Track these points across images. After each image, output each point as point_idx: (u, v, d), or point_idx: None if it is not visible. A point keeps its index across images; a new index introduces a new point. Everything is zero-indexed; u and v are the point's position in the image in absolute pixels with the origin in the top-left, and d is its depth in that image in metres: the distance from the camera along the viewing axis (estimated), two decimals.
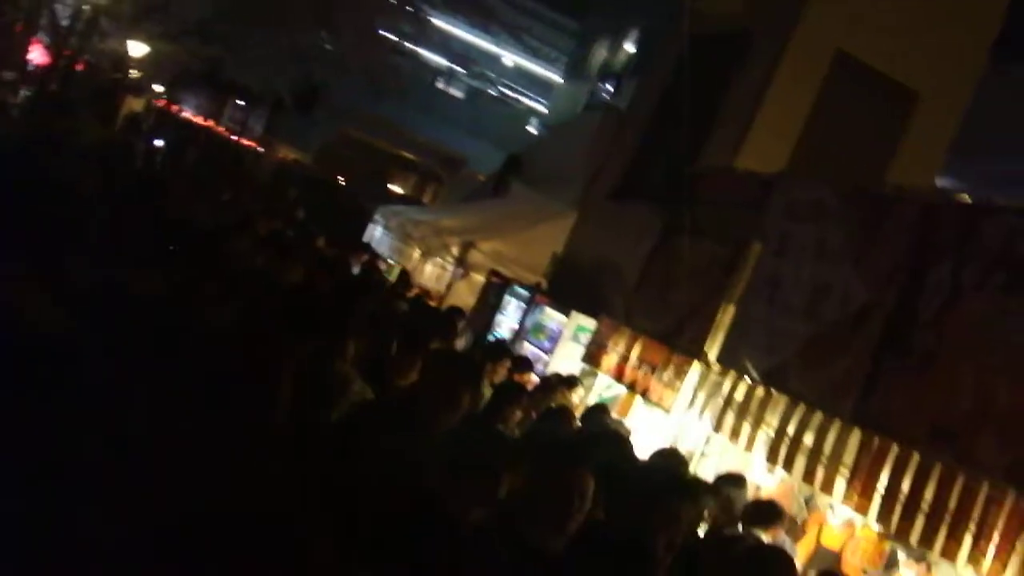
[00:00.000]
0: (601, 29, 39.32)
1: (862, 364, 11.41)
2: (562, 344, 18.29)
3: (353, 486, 6.08)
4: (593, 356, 16.28)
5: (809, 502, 12.99)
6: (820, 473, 11.26)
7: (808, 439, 11.53)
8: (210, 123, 60.93)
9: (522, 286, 20.58)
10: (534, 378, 16.08)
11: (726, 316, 13.78)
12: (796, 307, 12.74)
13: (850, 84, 17.72)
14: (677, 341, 14.39)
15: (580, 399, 14.73)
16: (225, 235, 13.15)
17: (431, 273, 26.29)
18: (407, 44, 47.10)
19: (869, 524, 11.06)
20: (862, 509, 10.63)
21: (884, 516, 10.37)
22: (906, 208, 12.00)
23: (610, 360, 15.68)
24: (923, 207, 11.85)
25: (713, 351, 13.66)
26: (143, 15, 38.21)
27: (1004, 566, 9.18)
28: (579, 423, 12.42)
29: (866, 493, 10.57)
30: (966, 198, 11.71)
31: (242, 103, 60.72)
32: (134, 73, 47.03)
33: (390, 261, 27.55)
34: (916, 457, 10.16)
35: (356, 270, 20.54)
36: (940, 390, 10.43)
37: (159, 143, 38.75)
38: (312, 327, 8.08)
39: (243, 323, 8.24)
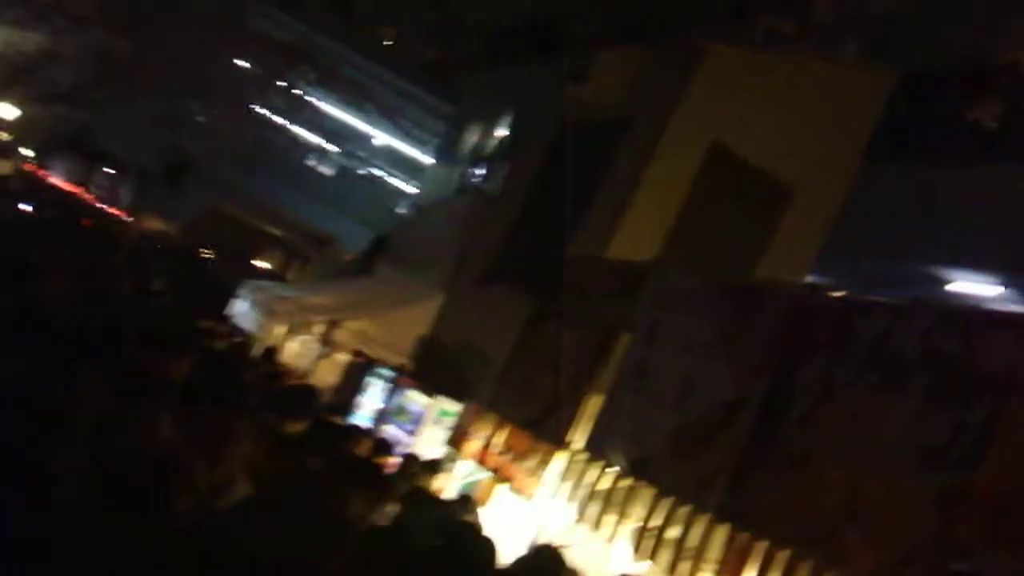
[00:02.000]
0: (474, 113, 39.18)
1: (729, 460, 11.21)
2: (425, 427, 18.04)
3: None
4: (456, 441, 16.02)
5: None
6: (685, 568, 11.05)
7: (673, 532, 11.33)
8: (78, 191, 60.18)
9: (386, 367, 20.32)
10: (394, 461, 15.82)
11: (593, 405, 13.57)
12: (664, 399, 12.54)
13: (724, 177, 17.73)
14: (542, 429, 14.14)
15: (442, 484, 14.48)
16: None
17: (295, 351, 25.91)
18: (279, 119, 46.79)
19: None
20: None
21: None
22: (778, 303, 11.89)
23: (473, 445, 15.42)
24: (796, 302, 11.75)
25: (579, 440, 13.43)
26: (14, 76, 37.59)
27: None
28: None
29: None
30: (839, 294, 11.62)
31: (111, 171, 60.02)
32: (2, 135, 46.26)
33: (253, 336, 27.17)
34: (783, 554, 9.98)
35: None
36: (810, 488, 10.25)
37: (26, 208, 37.94)
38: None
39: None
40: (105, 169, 60.98)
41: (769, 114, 17.79)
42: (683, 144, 17.67)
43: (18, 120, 40.42)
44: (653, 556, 11.48)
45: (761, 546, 10.25)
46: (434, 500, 12.79)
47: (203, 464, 7.47)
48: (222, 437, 8.09)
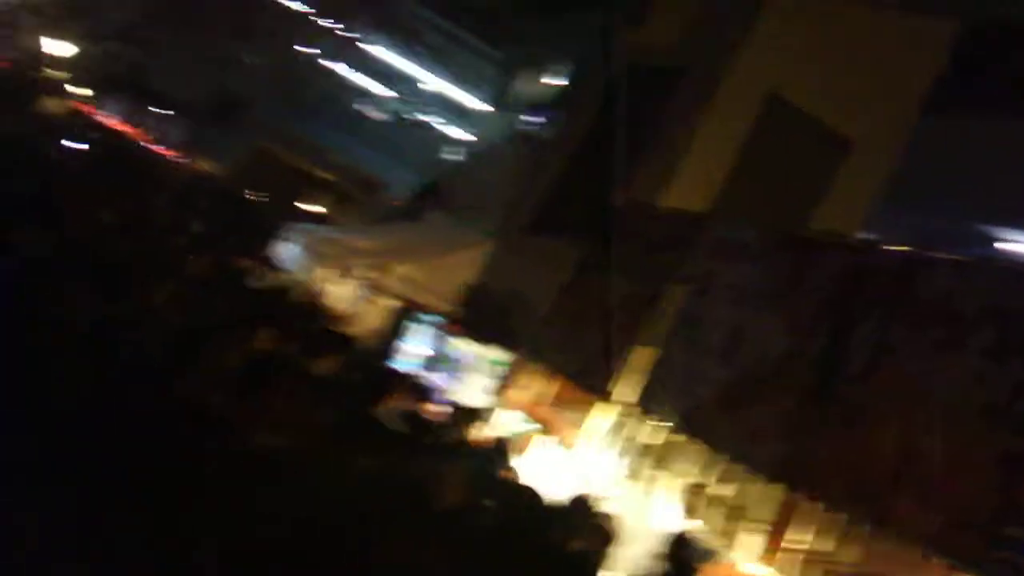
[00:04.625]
0: (527, 59, 38.92)
1: (781, 415, 10.90)
2: (469, 376, 17.79)
3: None
4: (501, 390, 15.75)
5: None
6: (734, 528, 10.77)
7: (722, 490, 11.05)
8: (129, 130, 60.18)
9: (432, 313, 20.08)
10: (436, 409, 15.60)
11: (642, 357, 13.26)
12: (715, 351, 12.23)
13: (781, 127, 17.33)
14: (588, 380, 13.84)
15: (485, 433, 14.20)
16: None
17: (339, 294, 25.71)
18: (329, 61, 46.53)
19: None
20: (783, 570, 10.12)
21: None
22: (836, 256, 11.55)
23: (518, 395, 15.16)
24: (855, 256, 11.40)
25: (626, 392, 13.13)
26: (67, 14, 37.37)
27: None
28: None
29: (786, 552, 10.07)
30: (900, 248, 11.27)
31: (162, 112, 60.03)
32: (54, 73, 46.11)
33: (298, 278, 27.02)
34: (837, 516, 9.68)
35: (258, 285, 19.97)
36: (863, 448, 9.95)
37: (75, 146, 37.75)
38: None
39: None
40: (156, 109, 61.00)
41: (828, 63, 17.37)
42: (739, 93, 17.28)
43: (70, 58, 40.24)
44: (702, 515, 11.20)
45: (814, 507, 9.96)
46: (474, 450, 12.51)
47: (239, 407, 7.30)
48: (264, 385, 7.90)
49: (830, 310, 11.09)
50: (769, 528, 10.32)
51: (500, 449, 12.92)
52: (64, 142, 35.26)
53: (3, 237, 10.11)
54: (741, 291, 12.33)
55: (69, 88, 49.94)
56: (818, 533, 9.82)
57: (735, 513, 10.79)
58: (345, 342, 16.60)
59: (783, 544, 10.09)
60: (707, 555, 11.49)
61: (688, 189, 16.64)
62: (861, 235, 17.59)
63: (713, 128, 17.13)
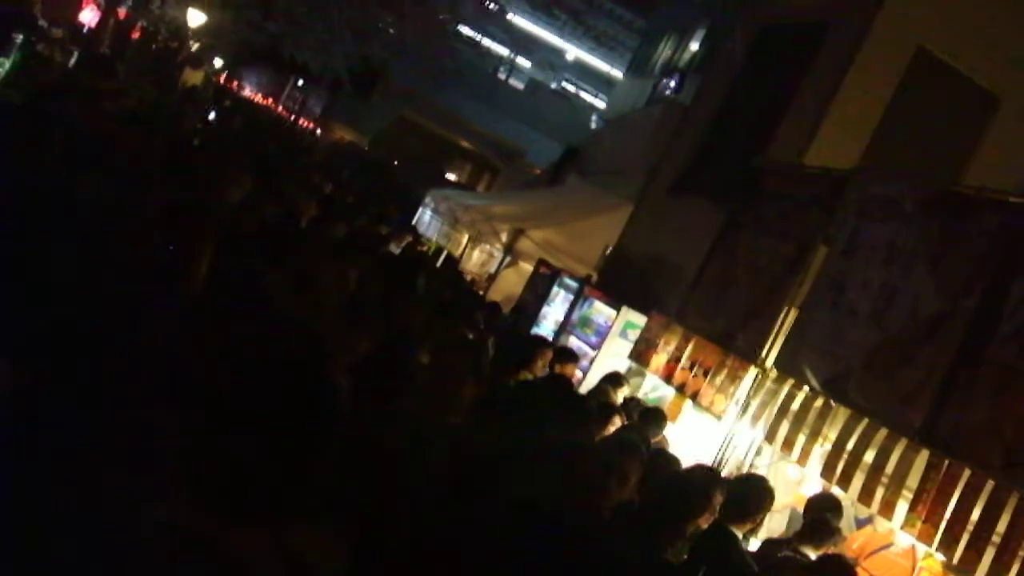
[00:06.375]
0: (667, 25, 38.61)
1: (932, 378, 10.49)
2: (609, 339, 17.57)
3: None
4: (641, 354, 15.48)
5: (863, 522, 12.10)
6: (879, 494, 10.39)
7: (868, 456, 10.67)
8: (269, 102, 60.60)
9: (571, 277, 19.85)
10: (578, 373, 15.38)
11: (787, 319, 12.92)
12: (862, 312, 11.82)
13: (929, 83, 16.85)
14: (732, 343, 13.55)
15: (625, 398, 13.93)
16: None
17: (478, 259, 25.63)
18: (470, 30, 46.41)
19: (933, 554, 10.10)
20: (925, 536, 9.73)
21: (948, 545, 9.46)
22: (989, 214, 11.08)
23: (659, 359, 14.87)
24: (1011, 211, 10.93)
25: (771, 356, 12.81)
26: None
27: None
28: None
29: (930, 519, 9.66)
30: None
31: (302, 83, 60.39)
32: (193, 44, 46.40)
33: (436, 242, 26.97)
34: (989, 484, 9.27)
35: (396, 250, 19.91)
36: (1019, 411, 9.52)
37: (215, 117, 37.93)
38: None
39: None
40: (297, 81, 61.37)
41: (976, 16, 16.86)
42: (885, 48, 16.83)
43: (207, 27, 40.35)
44: (845, 480, 10.84)
45: (964, 473, 9.56)
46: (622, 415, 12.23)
47: None
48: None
49: (983, 269, 10.66)
50: (916, 495, 9.93)
51: (652, 415, 12.68)
52: (203, 111, 35.47)
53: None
54: (890, 250, 11.90)
55: (208, 58, 50.24)
56: (965, 499, 9.42)
57: (880, 479, 10.41)
58: (488, 307, 16.45)
59: (929, 509, 9.69)
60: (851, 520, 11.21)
61: (833, 147, 16.22)
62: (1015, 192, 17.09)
63: (859, 84, 16.69)
